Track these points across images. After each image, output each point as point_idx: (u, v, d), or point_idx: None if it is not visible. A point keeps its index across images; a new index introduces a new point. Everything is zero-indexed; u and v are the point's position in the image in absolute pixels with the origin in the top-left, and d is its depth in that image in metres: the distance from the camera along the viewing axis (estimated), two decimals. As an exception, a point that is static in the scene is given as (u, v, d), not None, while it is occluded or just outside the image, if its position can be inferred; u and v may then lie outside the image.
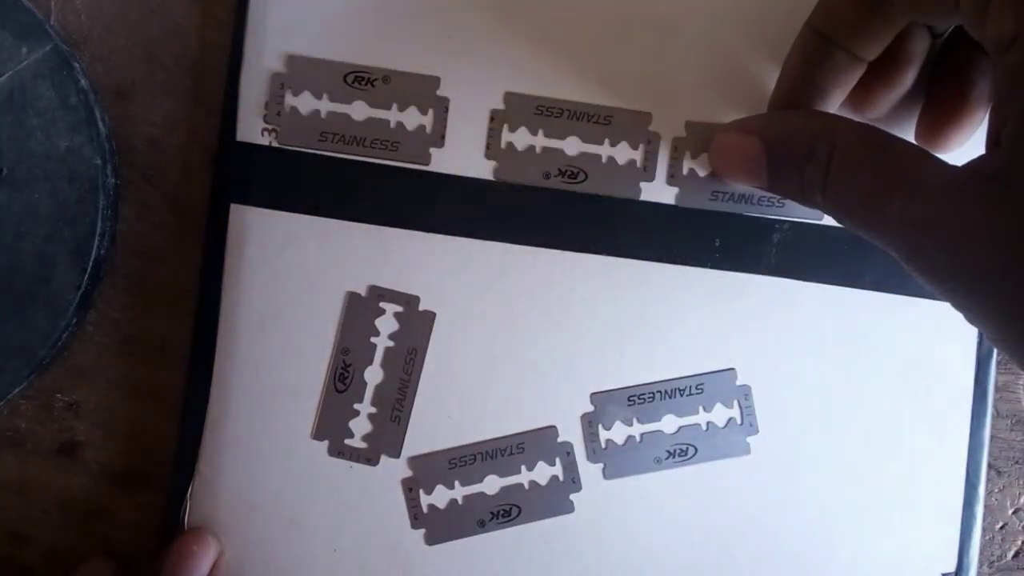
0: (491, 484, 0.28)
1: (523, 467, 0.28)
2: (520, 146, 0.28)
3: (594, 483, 0.28)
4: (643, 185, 0.28)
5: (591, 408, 0.28)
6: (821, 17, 0.24)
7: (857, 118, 0.24)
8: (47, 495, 0.29)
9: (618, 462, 0.28)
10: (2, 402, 0.28)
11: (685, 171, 0.28)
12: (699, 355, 0.29)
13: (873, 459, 0.29)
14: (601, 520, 0.28)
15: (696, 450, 0.29)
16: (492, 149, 0.28)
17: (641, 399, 0.28)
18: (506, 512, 0.28)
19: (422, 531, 0.28)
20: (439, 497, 0.28)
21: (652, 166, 0.28)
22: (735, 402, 0.29)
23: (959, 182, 0.18)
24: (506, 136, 0.28)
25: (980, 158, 0.19)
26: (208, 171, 0.29)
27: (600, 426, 0.28)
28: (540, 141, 0.28)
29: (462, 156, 0.28)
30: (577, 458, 0.28)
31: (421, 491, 0.28)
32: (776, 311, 0.29)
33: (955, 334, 0.29)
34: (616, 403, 0.28)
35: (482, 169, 0.28)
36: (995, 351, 0.29)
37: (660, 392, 0.28)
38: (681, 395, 0.29)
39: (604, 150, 0.28)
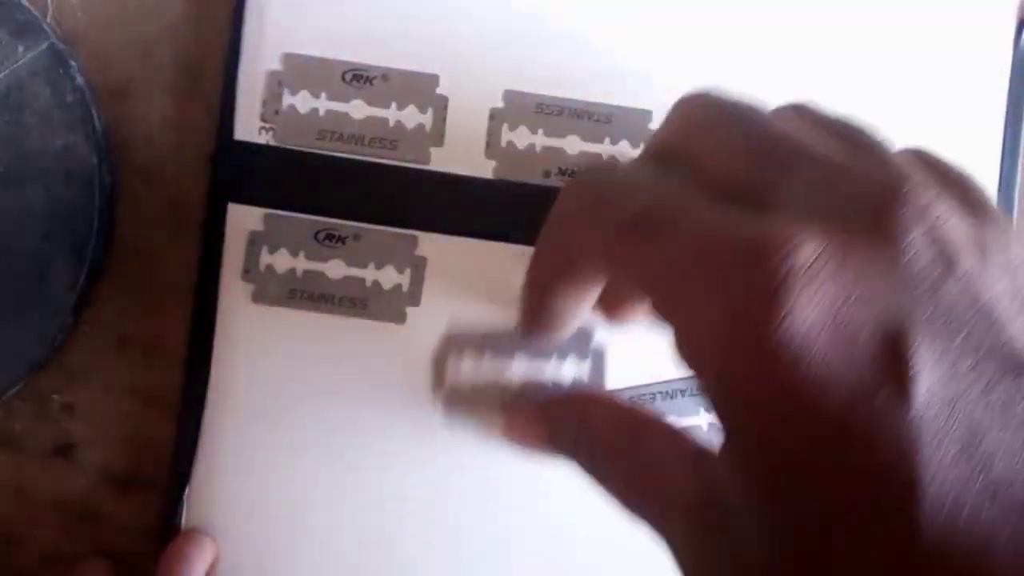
0: (491, 486, 0.28)
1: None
2: (520, 145, 0.28)
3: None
4: (644, 184, 0.28)
5: (591, 409, 0.28)
6: (537, 266, 0.23)
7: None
8: (42, 497, 0.29)
9: (619, 463, 0.28)
10: (-3, 403, 0.28)
11: None
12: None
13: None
14: (600, 518, 0.28)
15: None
16: (492, 148, 0.28)
17: (642, 399, 0.28)
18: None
19: (421, 533, 0.28)
20: (438, 499, 0.28)
21: (653, 165, 0.28)
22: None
23: (694, 504, 0.18)
24: (506, 135, 0.28)
25: (719, 467, 0.18)
26: (205, 170, 0.28)
27: (600, 427, 0.28)
28: (540, 140, 0.28)
29: (462, 155, 0.28)
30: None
31: (420, 493, 0.28)
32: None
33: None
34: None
35: (482, 168, 0.28)
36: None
37: (661, 392, 0.28)
38: (681, 395, 0.28)
39: (604, 149, 0.28)
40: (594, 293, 0.23)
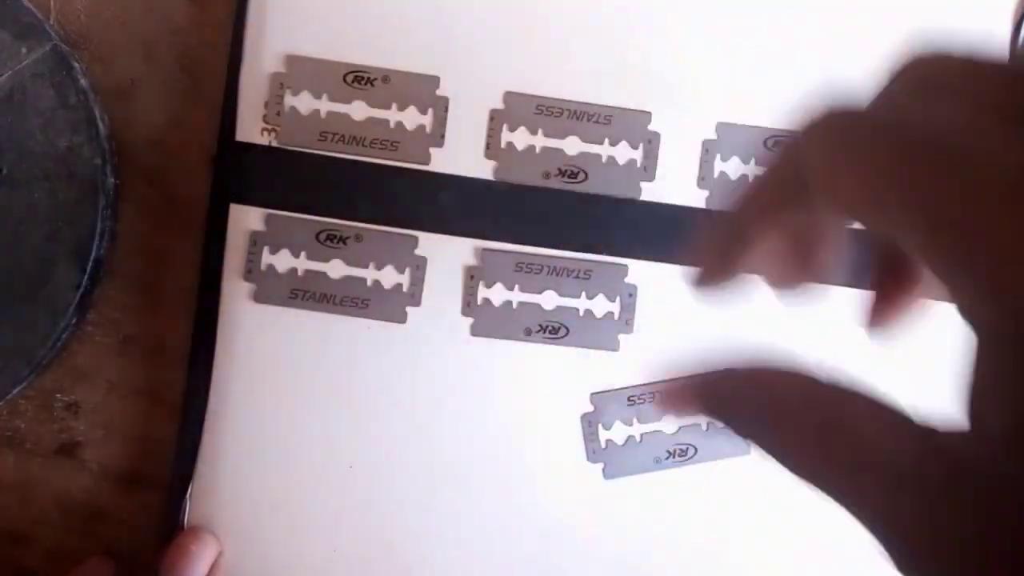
0: (491, 484, 0.28)
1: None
2: (520, 146, 0.28)
3: (594, 483, 0.28)
4: (643, 185, 0.28)
5: (591, 408, 0.28)
6: (752, 198, 0.21)
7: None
8: (47, 495, 0.29)
9: (618, 462, 0.28)
10: (2, 402, 0.28)
11: (716, 174, 0.28)
12: (699, 355, 0.28)
13: (874, 459, 0.29)
14: (601, 519, 0.28)
15: (696, 450, 0.29)
16: (492, 149, 0.28)
17: (641, 399, 0.28)
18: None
19: (422, 531, 0.28)
20: (439, 497, 0.28)
21: (652, 165, 0.28)
22: (735, 402, 0.29)
23: (927, 467, 0.16)
24: (506, 136, 0.28)
25: (953, 439, 0.16)
26: (208, 171, 0.29)
27: (600, 426, 0.28)
28: (540, 141, 0.28)
29: (462, 156, 0.28)
30: (576, 459, 0.28)
31: (421, 491, 0.28)
32: (780, 313, 0.28)
33: (958, 334, 0.29)
34: (616, 403, 0.28)
35: (482, 169, 0.28)
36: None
37: (660, 393, 0.28)
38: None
39: (604, 150, 0.28)
40: (781, 249, 0.21)
